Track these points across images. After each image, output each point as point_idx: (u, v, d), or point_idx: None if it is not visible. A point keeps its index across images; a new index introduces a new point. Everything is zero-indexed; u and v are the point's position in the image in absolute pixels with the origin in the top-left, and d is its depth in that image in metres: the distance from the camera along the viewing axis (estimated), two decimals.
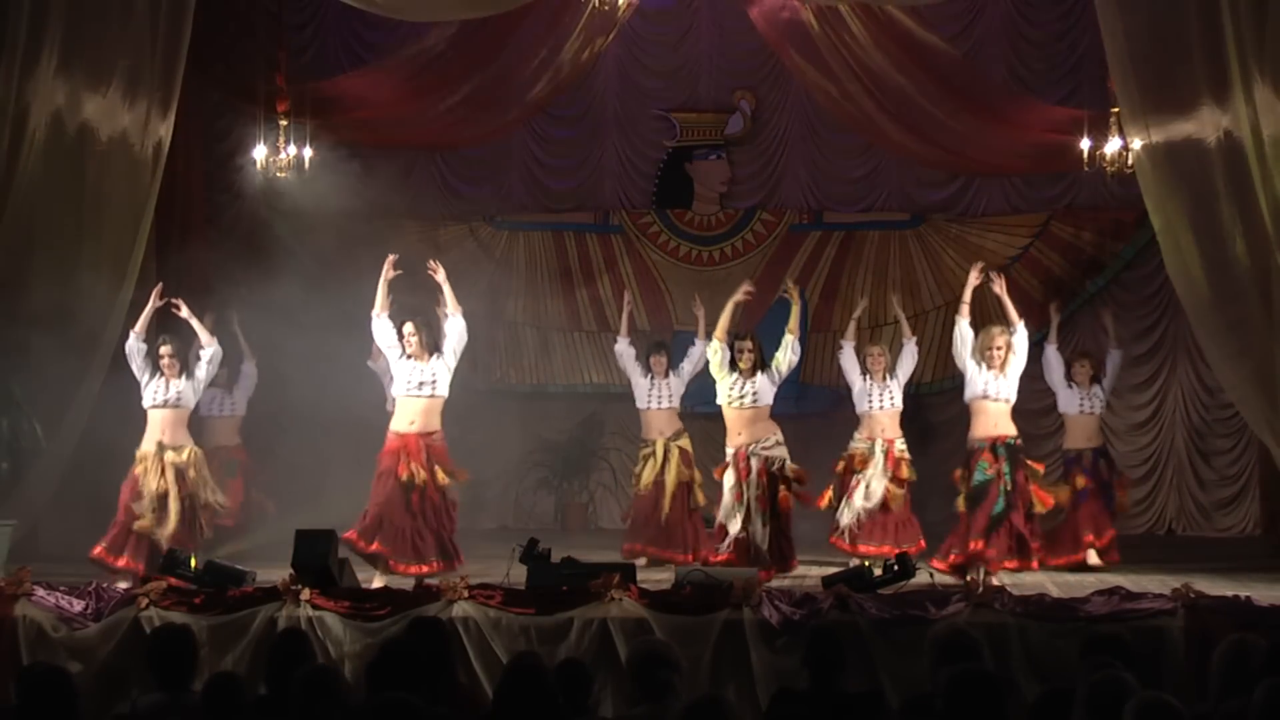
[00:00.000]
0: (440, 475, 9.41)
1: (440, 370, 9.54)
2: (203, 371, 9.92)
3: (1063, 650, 7.21)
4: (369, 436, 11.67)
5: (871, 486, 10.04)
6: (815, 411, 13.01)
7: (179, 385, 9.79)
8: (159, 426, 9.74)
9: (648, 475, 10.53)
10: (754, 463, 9.78)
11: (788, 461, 9.86)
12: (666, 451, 10.52)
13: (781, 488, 9.78)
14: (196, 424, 10.76)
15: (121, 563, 9.39)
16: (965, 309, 9.86)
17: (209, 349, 9.97)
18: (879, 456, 10.12)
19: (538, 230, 13.63)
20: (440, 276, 9.62)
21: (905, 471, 10.18)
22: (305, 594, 7.91)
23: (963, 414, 10.04)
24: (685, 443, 10.62)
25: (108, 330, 9.77)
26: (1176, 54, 9.31)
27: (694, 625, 7.66)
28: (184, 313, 9.99)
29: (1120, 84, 9.52)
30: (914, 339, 10.53)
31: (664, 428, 10.61)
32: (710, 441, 11.36)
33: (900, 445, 10.27)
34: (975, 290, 9.92)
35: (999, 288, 9.83)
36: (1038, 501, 9.65)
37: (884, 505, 10.05)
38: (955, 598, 7.75)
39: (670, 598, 7.94)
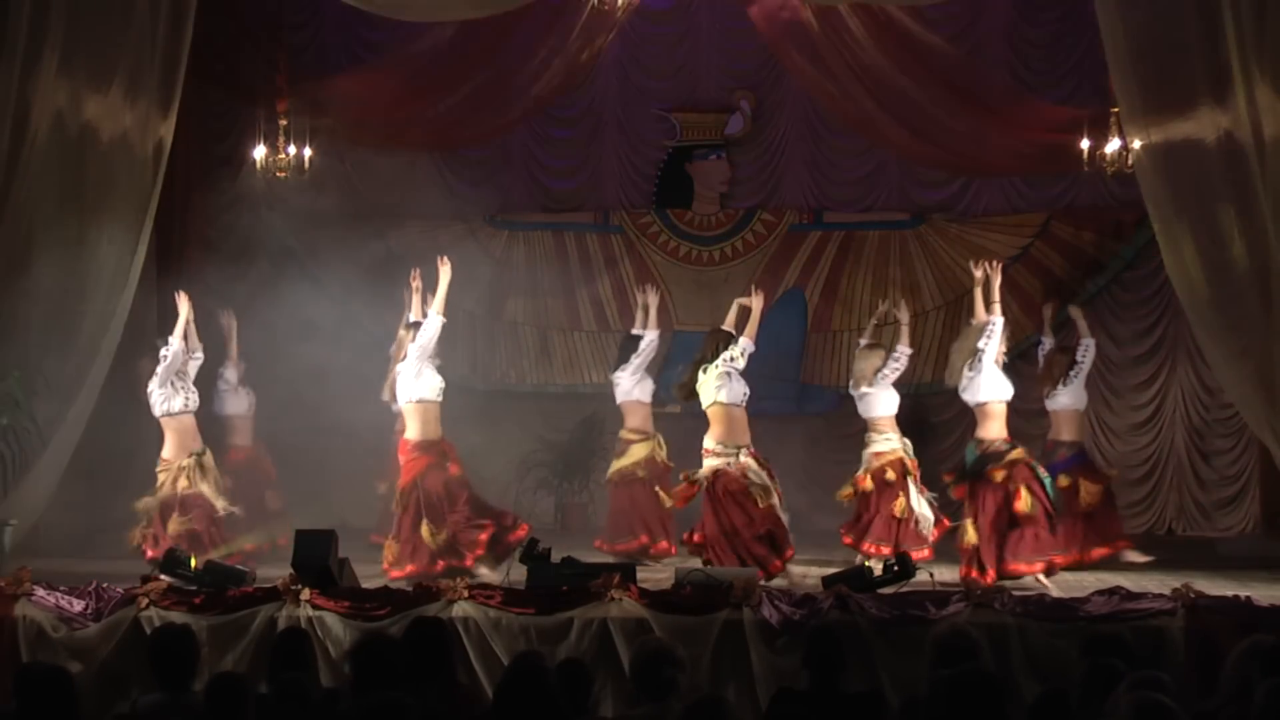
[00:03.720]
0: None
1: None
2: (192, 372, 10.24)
3: (1063, 650, 7.22)
4: (370, 436, 11.71)
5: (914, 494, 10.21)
6: (816, 412, 13.02)
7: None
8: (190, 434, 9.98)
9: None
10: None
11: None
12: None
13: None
14: (219, 424, 10.88)
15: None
16: (997, 306, 9.62)
17: (199, 353, 10.34)
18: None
19: (538, 230, 13.62)
20: (445, 274, 9.62)
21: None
22: (305, 594, 7.92)
23: (963, 414, 10.03)
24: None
25: (109, 331, 9.78)
26: (1176, 54, 9.31)
27: (694, 625, 7.66)
28: (186, 309, 10.10)
29: (1120, 84, 9.52)
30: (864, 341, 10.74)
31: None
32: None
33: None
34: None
35: (996, 276, 9.66)
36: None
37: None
38: (955, 598, 7.75)
39: (670, 598, 7.94)
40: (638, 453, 10.91)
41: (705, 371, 9.70)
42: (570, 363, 13.56)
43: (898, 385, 10.49)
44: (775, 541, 9.45)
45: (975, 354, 9.47)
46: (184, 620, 7.45)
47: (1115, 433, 12.83)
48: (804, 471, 12.28)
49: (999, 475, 9.36)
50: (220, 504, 9.75)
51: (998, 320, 9.50)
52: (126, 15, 9.63)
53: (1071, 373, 10.89)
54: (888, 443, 10.29)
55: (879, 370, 10.30)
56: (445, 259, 9.66)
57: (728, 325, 10.03)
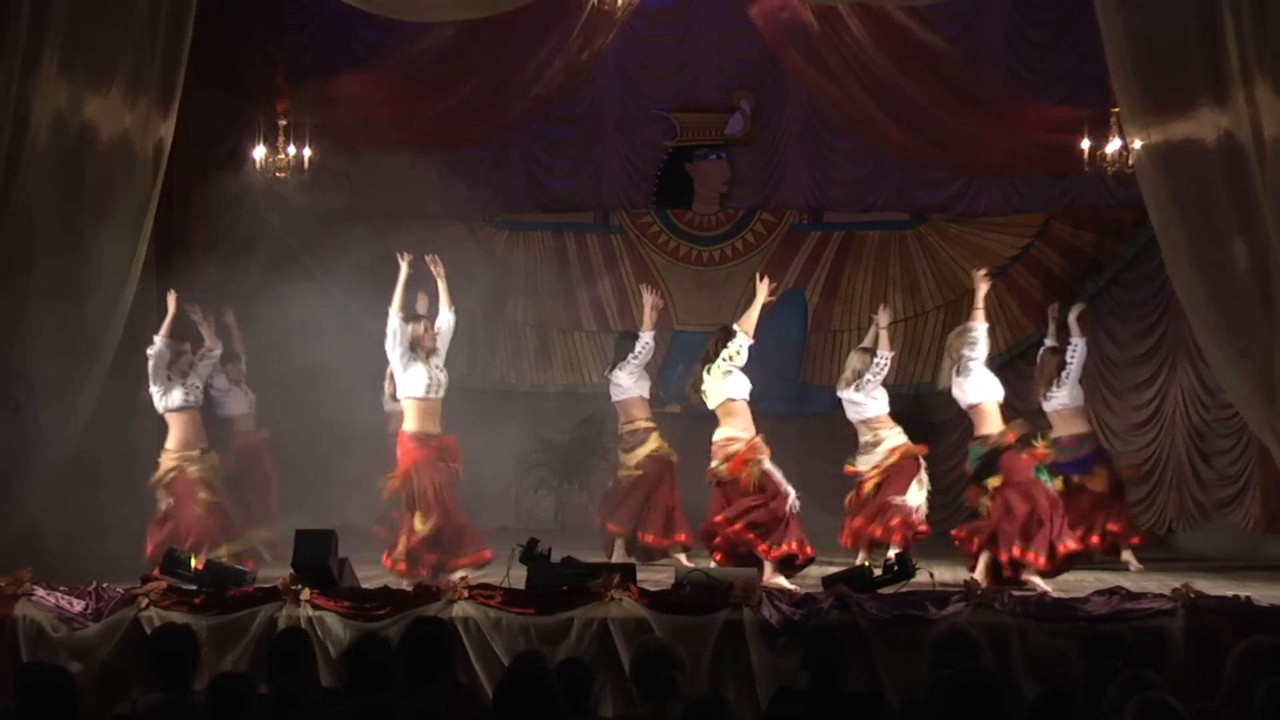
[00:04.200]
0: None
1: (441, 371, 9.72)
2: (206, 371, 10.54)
3: (1063, 650, 7.23)
4: (370, 436, 11.71)
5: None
6: (815, 412, 13.01)
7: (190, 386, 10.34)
8: (192, 428, 10.23)
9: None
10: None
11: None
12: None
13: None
14: (223, 425, 10.91)
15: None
16: (980, 312, 9.66)
17: (217, 350, 10.61)
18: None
19: (538, 230, 13.62)
20: (404, 272, 9.67)
21: None
22: (305, 594, 7.92)
23: (963, 413, 10.02)
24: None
25: (109, 331, 9.77)
26: (1176, 54, 9.30)
27: (694, 625, 7.67)
28: (174, 307, 10.32)
29: (1120, 84, 9.52)
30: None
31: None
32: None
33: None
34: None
35: (985, 286, 9.75)
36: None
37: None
38: (955, 598, 7.75)
39: (670, 598, 7.95)
40: (657, 439, 10.92)
41: (710, 372, 9.74)
42: (570, 363, 13.57)
43: (899, 385, 10.52)
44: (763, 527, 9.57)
45: (962, 359, 9.52)
46: (184, 620, 7.45)
47: (1115, 433, 12.82)
48: (801, 471, 12.24)
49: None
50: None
51: (981, 325, 9.55)
52: (126, 15, 9.62)
53: (1063, 374, 10.91)
54: (899, 436, 10.52)
55: (861, 374, 10.37)
56: (404, 255, 9.71)
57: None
